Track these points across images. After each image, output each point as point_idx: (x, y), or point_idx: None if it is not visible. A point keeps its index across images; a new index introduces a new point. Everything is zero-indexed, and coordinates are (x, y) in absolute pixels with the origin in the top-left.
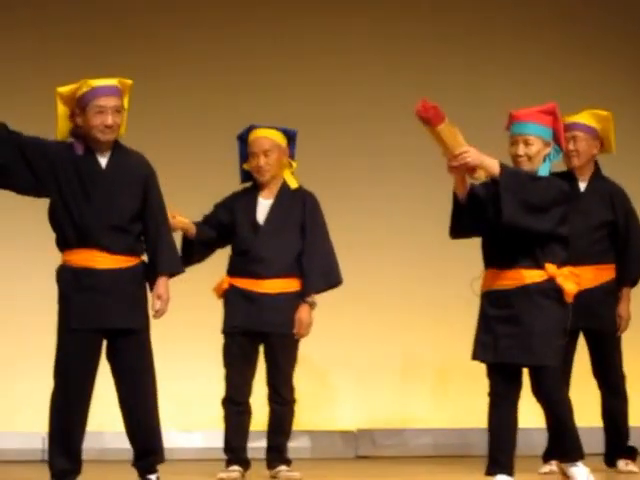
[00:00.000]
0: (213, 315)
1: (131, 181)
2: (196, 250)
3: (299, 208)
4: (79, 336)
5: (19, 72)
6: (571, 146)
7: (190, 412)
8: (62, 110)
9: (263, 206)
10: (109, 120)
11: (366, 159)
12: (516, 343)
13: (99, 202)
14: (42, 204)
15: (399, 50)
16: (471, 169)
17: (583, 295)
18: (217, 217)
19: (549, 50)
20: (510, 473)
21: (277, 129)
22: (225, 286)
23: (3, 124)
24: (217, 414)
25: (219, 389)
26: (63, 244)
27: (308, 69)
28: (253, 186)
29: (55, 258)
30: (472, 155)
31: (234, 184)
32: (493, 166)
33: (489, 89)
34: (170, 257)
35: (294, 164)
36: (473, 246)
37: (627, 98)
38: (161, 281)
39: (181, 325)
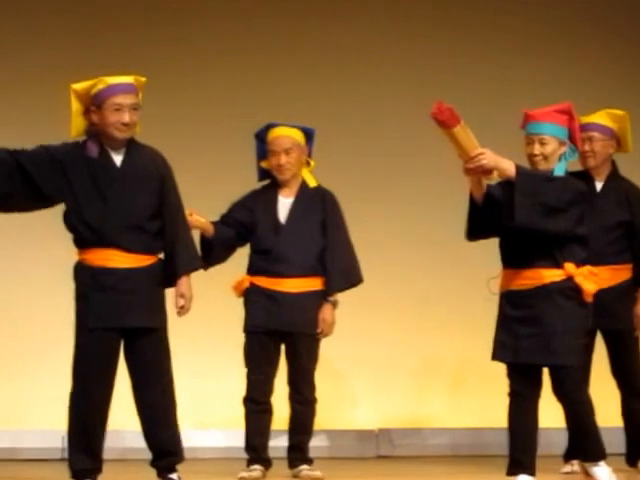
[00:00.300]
0: (232, 313)
1: (147, 179)
2: (216, 250)
3: (319, 207)
4: (97, 336)
5: (32, 68)
6: (587, 146)
7: (209, 411)
8: (76, 107)
9: (284, 205)
10: (126, 118)
11: (384, 159)
12: (537, 343)
13: (115, 202)
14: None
15: (419, 50)
16: (487, 171)
17: (600, 295)
18: (235, 216)
19: (565, 51)
20: (532, 473)
21: (297, 127)
22: (245, 285)
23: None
24: (236, 413)
25: (238, 387)
26: (80, 243)
27: (327, 67)
28: (272, 184)
29: (72, 254)
30: (488, 157)
31: (251, 181)
32: (509, 168)
33: (506, 90)
34: (189, 254)
35: (312, 163)
36: (491, 246)
37: None
38: (183, 279)
39: (200, 323)
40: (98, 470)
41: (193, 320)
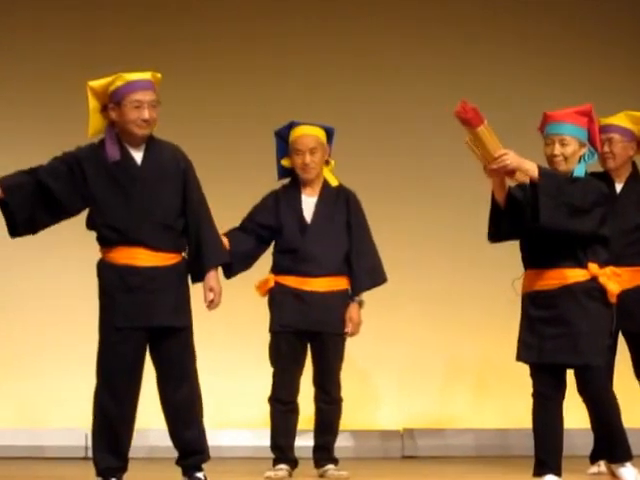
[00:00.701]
0: (254, 312)
1: (169, 175)
2: (237, 262)
3: (343, 207)
4: (124, 334)
5: (47, 64)
6: (606, 148)
7: (232, 410)
8: (94, 105)
9: (308, 204)
10: (146, 114)
11: (410, 159)
12: (562, 343)
13: (139, 200)
14: None
15: (446, 52)
16: (510, 172)
17: (620, 296)
18: (258, 220)
19: (586, 52)
20: (558, 474)
21: (319, 126)
22: (270, 284)
23: (19, 173)
24: (259, 412)
25: (261, 386)
26: (104, 241)
27: (346, 68)
28: (293, 184)
29: (94, 252)
30: (511, 158)
31: (269, 179)
32: (532, 169)
33: (529, 92)
34: (216, 248)
35: (332, 162)
36: (514, 246)
37: None
38: (211, 274)
39: (221, 321)
40: (123, 469)
41: (215, 318)
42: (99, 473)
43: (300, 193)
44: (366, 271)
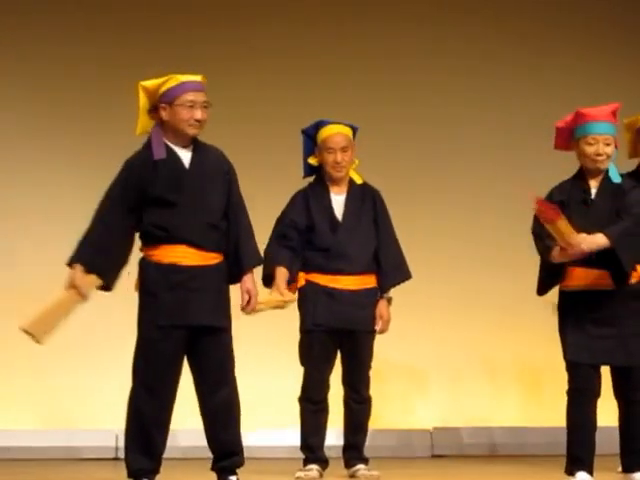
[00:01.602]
0: (280, 311)
1: (216, 177)
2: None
3: (370, 205)
4: (166, 333)
5: (90, 65)
6: None
7: (261, 410)
8: (144, 104)
9: (337, 202)
10: (199, 114)
11: (437, 162)
12: (613, 344)
13: (186, 199)
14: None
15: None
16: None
17: None
18: (296, 226)
19: (613, 55)
20: (590, 472)
21: (348, 125)
22: (301, 282)
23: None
24: (287, 411)
25: (289, 386)
26: (147, 239)
27: (369, 72)
28: (319, 182)
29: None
30: (587, 244)
31: (297, 176)
32: (605, 243)
33: (555, 95)
34: (253, 250)
35: (356, 161)
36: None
37: None
38: (248, 275)
39: (248, 321)
40: (156, 471)
41: (242, 318)
42: (131, 474)
43: (329, 192)
44: (394, 267)
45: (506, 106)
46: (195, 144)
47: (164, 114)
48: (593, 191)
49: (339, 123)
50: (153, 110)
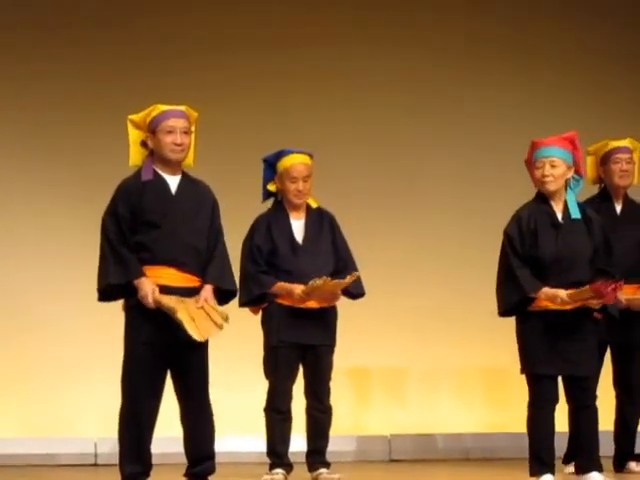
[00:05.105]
0: (243, 327)
1: (200, 206)
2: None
3: (328, 227)
4: (150, 349)
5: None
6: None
7: (226, 418)
8: (134, 135)
9: (297, 226)
10: (178, 139)
11: (407, 174)
12: (573, 356)
13: (172, 223)
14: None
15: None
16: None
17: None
18: (260, 251)
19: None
20: (553, 472)
21: (308, 154)
22: (265, 303)
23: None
24: (249, 420)
25: (252, 397)
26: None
27: (337, 93)
28: (279, 207)
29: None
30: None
31: (253, 200)
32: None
33: (546, 107)
34: (223, 272)
35: None
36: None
37: None
38: (207, 287)
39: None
40: (147, 473)
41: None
42: (124, 479)
43: (288, 217)
44: (355, 285)
45: (468, 124)
46: (184, 174)
47: (151, 143)
48: (559, 215)
49: (300, 152)
50: (143, 144)
